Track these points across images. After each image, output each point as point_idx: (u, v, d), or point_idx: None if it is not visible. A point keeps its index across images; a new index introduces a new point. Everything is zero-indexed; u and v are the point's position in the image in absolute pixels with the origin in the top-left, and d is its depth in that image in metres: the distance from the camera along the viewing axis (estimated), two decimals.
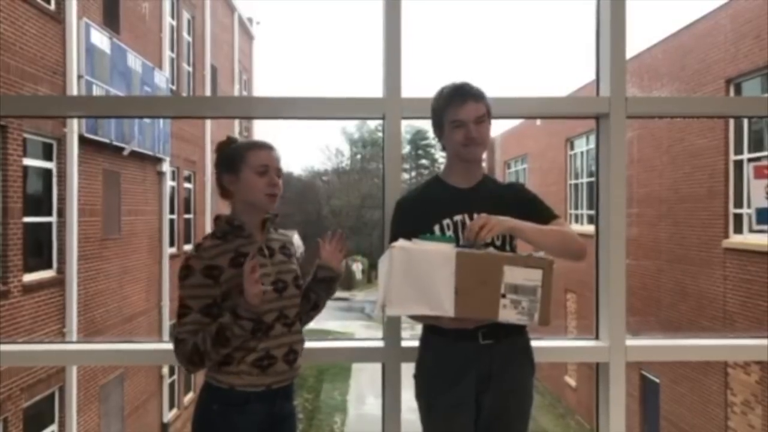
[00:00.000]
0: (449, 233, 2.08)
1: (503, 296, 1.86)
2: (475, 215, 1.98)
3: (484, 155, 2.26)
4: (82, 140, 8.68)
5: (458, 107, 2.06)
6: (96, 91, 8.88)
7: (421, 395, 2.14)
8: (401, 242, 1.94)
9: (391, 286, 1.89)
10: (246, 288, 1.85)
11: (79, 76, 8.57)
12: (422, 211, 2.11)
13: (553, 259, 1.93)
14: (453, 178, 2.17)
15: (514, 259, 1.92)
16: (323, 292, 2.17)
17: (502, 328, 2.02)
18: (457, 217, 2.09)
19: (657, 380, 10.87)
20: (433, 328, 2.10)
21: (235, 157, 2.02)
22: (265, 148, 2.04)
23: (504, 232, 1.98)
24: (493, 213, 1.99)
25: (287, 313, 2.02)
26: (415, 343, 2.24)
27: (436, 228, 2.08)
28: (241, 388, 1.96)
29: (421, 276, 1.88)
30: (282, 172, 2.05)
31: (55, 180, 8.26)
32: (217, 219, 2.04)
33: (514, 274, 1.86)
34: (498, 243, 2.07)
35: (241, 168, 2.00)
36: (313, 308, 2.17)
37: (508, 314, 1.87)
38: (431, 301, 1.88)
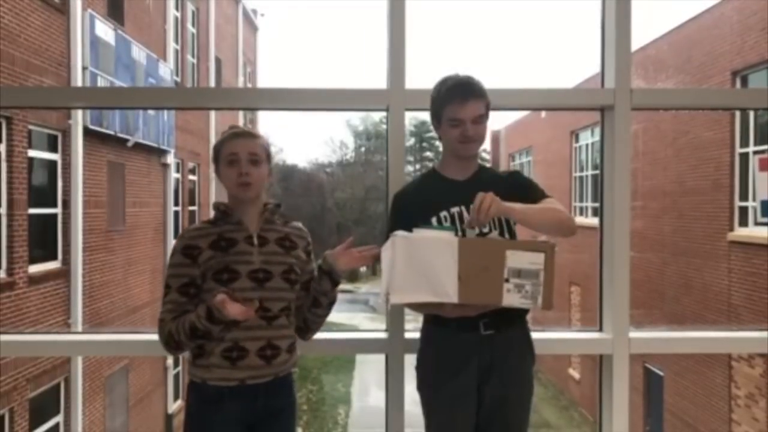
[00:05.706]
0: (447, 225, 2.07)
1: (506, 281, 1.86)
2: (471, 206, 1.97)
3: (488, 147, 2.25)
4: (87, 132, 8.69)
5: (458, 106, 2.04)
6: (100, 83, 8.87)
7: (422, 386, 2.15)
8: (403, 231, 1.94)
9: (394, 275, 1.89)
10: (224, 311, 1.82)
11: (84, 68, 8.57)
12: (419, 205, 2.11)
13: (554, 242, 1.93)
14: (449, 171, 2.17)
15: (516, 244, 1.93)
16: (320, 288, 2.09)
17: (503, 319, 2.03)
18: (454, 209, 2.09)
19: (661, 373, 10.87)
20: (434, 320, 2.11)
21: (215, 150, 2.05)
22: (237, 136, 2.02)
23: (498, 214, 1.93)
24: None
25: (268, 306, 1.95)
26: (419, 335, 2.24)
27: (434, 220, 2.08)
28: (213, 383, 1.92)
29: (424, 264, 1.87)
30: (261, 159, 2.00)
31: (60, 171, 8.27)
32: (214, 205, 2.06)
33: (516, 259, 1.86)
34: (496, 231, 2.06)
35: (219, 159, 2.03)
36: (313, 304, 2.09)
37: (511, 299, 1.87)
38: (435, 288, 1.87)
